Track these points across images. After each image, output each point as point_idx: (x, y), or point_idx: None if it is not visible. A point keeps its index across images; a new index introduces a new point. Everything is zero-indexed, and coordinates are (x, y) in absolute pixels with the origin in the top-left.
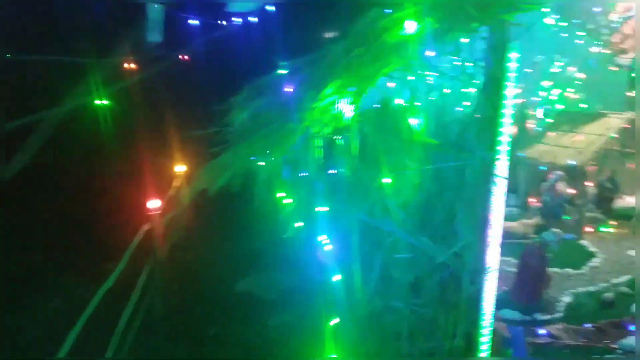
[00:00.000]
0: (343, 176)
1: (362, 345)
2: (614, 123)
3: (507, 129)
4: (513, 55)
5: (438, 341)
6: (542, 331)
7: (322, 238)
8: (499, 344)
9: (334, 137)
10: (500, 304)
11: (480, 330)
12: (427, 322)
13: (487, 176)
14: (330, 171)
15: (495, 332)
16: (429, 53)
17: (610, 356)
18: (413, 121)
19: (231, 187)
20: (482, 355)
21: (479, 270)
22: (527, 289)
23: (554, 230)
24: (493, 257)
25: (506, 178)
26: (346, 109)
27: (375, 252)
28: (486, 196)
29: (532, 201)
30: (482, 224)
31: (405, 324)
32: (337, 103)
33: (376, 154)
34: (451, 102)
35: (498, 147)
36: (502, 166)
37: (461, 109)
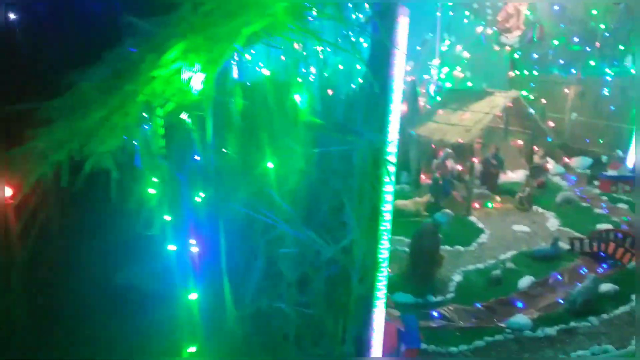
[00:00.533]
0: (214, 161)
1: (247, 346)
2: (499, 101)
3: (397, 108)
4: (402, 29)
5: (326, 345)
6: (434, 314)
7: (193, 233)
8: (393, 339)
9: (184, 115)
10: (393, 287)
11: (371, 332)
12: (314, 325)
13: (376, 161)
14: (196, 157)
15: (388, 328)
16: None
17: (500, 336)
18: (295, 98)
19: (61, 181)
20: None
21: (370, 267)
22: (419, 270)
23: (446, 210)
24: (384, 250)
25: (395, 165)
26: (197, 79)
27: (256, 248)
28: (376, 183)
29: (424, 179)
30: (372, 214)
31: (291, 326)
32: (184, 72)
33: (251, 136)
34: (336, 77)
35: (387, 129)
36: (392, 150)
37: (348, 86)
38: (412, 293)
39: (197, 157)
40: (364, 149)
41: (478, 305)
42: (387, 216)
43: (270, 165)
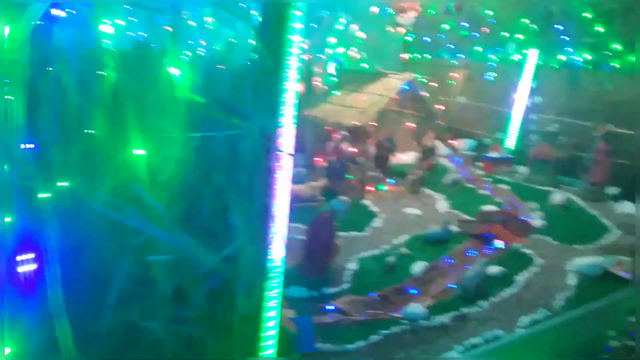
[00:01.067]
0: (52, 147)
1: None
2: (393, 83)
3: (293, 88)
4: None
5: None
6: (329, 307)
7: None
8: (287, 345)
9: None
10: (287, 280)
11: (261, 351)
12: (193, 345)
13: (268, 150)
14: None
15: (280, 335)
16: None
17: (396, 328)
18: (172, 70)
19: None
20: None
21: (259, 279)
22: (313, 261)
23: (342, 198)
24: (277, 257)
25: (292, 154)
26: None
27: (117, 256)
28: (267, 178)
29: (319, 161)
30: (263, 215)
31: (166, 349)
32: None
33: (115, 114)
34: (226, 51)
35: (281, 111)
36: (287, 138)
37: (239, 62)
38: (307, 286)
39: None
40: (253, 135)
41: (373, 295)
42: (282, 217)
43: (139, 152)
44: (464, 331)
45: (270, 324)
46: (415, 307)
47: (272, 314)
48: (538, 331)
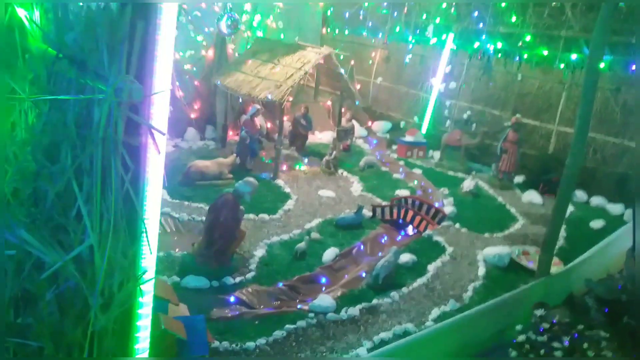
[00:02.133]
0: None
1: None
2: (310, 57)
3: (169, 43)
4: None
5: None
6: (231, 299)
7: None
8: (173, 350)
9: None
10: (185, 268)
11: None
12: None
13: (132, 125)
14: None
15: (162, 340)
16: None
17: (302, 322)
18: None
19: None
20: None
21: (121, 282)
22: (214, 249)
23: (249, 179)
24: (148, 260)
25: (163, 133)
26: None
27: None
28: (131, 158)
29: (231, 135)
30: (126, 207)
31: None
32: None
33: None
34: None
35: (152, 74)
36: (159, 110)
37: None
38: (207, 275)
39: None
40: (110, 103)
41: (280, 285)
42: (153, 211)
43: None
44: (374, 325)
45: (141, 334)
46: (323, 299)
47: (143, 322)
48: (447, 326)
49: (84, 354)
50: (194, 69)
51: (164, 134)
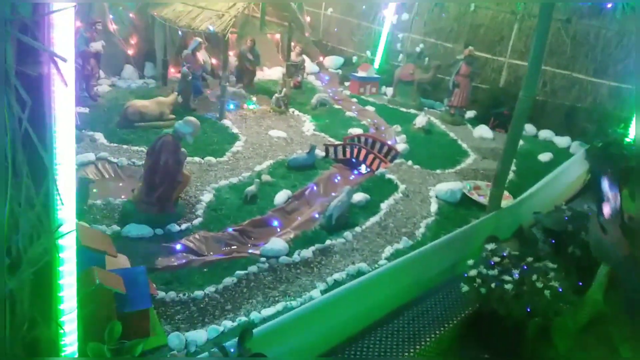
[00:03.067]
0: None
1: None
2: None
3: None
4: None
5: None
6: (178, 247)
7: None
8: (110, 305)
9: None
10: (126, 216)
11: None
12: None
13: (23, 47)
14: None
15: (97, 296)
16: None
17: (254, 267)
18: None
19: None
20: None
21: (33, 239)
22: (157, 195)
23: (189, 119)
24: (65, 211)
25: (64, 59)
26: None
27: None
28: (29, 91)
29: (173, 72)
30: (27, 151)
31: None
32: None
33: None
34: None
35: None
36: (61, 30)
37: None
38: (150, 223)
39: None
40: None
41: (230, 230)
42: (66, 154)
43: None
44: (328, 266)
45: (65, 293)
46: (276, 243)
47: (66, 280)
48: (400, 263)
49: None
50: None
51: (65, 60)
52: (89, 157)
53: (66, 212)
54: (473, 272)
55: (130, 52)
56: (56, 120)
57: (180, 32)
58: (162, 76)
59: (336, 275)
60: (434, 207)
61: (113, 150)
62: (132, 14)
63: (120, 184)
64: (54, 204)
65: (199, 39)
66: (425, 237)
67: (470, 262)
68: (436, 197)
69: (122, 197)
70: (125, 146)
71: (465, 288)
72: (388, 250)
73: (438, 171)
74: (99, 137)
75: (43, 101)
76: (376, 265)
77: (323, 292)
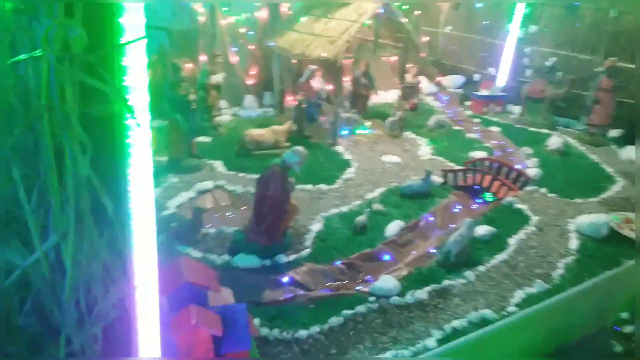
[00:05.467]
0: None
1: None
2: (367, 7)
3: None
4: None
5: None
6: (285, 279)
7: None
8: (206, 346)
9: None
10: (236, 246)
11: None
12: None
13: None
14: None
15: (197, 336)
16: None
17: (362, 307)
18: None
19: None
20: None
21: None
22: (265, 224)
23: (297, 148)
24: (142, 265)
25: (139, 125)
26: None
27: None
28: (94, 133)
29: (289, 101)
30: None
31: None
32: None
33: None
34: None
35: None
36: (133, 64)
37: None
38: (258, 253)
39: None
40: (48, 58)
41: (338, 263)
42: (143, 203)
43: None
44: (445, 311)
45: (145, 340)
46: (386, 281)
47: (146, 331)
48: (533, 312)
49: None
50: (250, 32)
51: (132, 112)
52: (207, 185)
53: (145, 258)
54: (629, 329)
55: (250, 82)
56: (128, 164)
57: (294, 61)
58: (279, 104)
59: (455, 323)
60: (574, 243)
61: (230, 178)
62: (251, 46)
63: (235, 213)
64: (126, 252)
65: (313, 67)
66: (563, 280)
67: (624, 315)
68: (577, 231)
69: (235, 225)
70: (241, 174)
71: (618, 347)
72: (518, 295)
73: (578, 200)
74: (218, 165)
75: (111, 144)
76: (503, 313)
77: (439, 341)
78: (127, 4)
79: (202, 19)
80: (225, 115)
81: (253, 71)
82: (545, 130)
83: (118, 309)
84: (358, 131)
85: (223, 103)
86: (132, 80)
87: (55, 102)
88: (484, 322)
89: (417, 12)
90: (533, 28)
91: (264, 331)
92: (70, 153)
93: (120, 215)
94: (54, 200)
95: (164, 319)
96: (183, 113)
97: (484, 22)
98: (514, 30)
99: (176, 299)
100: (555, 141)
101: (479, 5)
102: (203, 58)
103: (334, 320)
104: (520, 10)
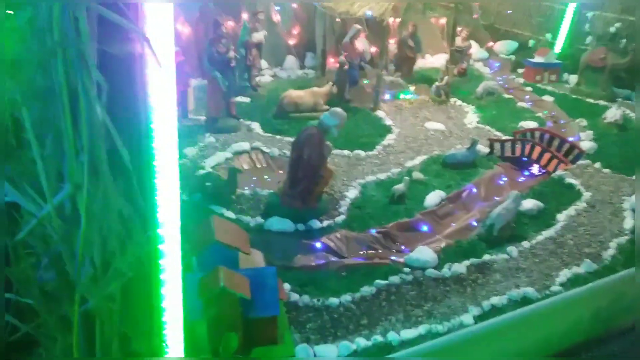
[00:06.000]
0: None
1: None
2: None
3: None
4: None
5: None
6: (318, 245)
7: None
8: (235, 311)
9: None
10: (270, 209)
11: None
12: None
13: (110, 26)
14: None
15: (220, 301)
16: None
17: (396, 277)
18: None
19: None
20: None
21: (122, 248)
22: (299, 188)
23: (335, 110)
24: (167, 214)
25: (147, 39)
26: None
27: None
28: (110, 73)
29: (332, 62)
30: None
31: None
32: None
33: None
34: None
35: None
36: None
37: None
38: (292, 217)
39: None
40: None
41: (373, 231)
42: (165, 155)
43: None
44: (485, 287)
45: (168, 303)
46: (423, 252)
47: (168, 289)
48: (579, 293)
49: (74, 338)
50: None
51: (147, 41)
52: (243, 147)
53: (169, 213)
54: None
55: (292, 42)
56: (149, 110)
57: (338, 20)
58: (321, 66)
59: (495, 300)
60: (629, 223)
61: (267, 141)
62: (295, 5)
63: (271, 175)
64: (151, 206)
65: (358, 26)
66: (615, 261)
67: None
68: (632, 210)
69: (270, 188)
70: (278, 136)
71: None
72: (564, 274)
73: (635, 177)
74: (256, 126)
75: (131, 86)
76: (547, 292)
77: (477, 318)
78: None
79: None
80: (265, 76)
81: (295, 30)
82: (603, 102)
83: (136, 267)
84: (402, 96)
85: (264, 63)
86: (156, 18)
87: (70, 39)
88: (526, 301)
89: None
90: None
91: (294, 297)
92: (85, 96)
93: (139, 166)
94: (68, 148)
95: (193, 277)
96: (222, 71)
97: None
98: None
99: (205, 258)
100: (613, 113)
101: None
102: (245, 16)
103: (366, 290)
104: None
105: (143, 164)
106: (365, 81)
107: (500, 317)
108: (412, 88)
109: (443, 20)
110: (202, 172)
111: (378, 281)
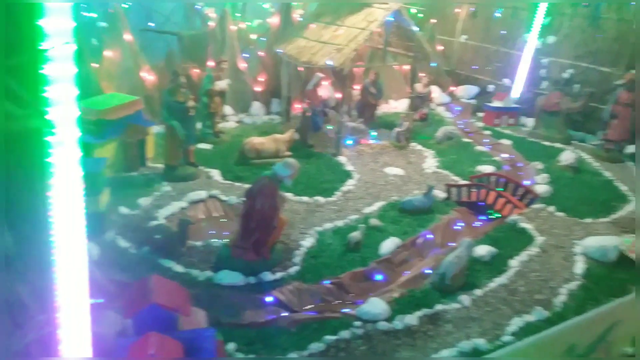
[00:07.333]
0: None
1: None
2: (377, 15)
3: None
4: None
5: None
6: (268, 298)
7: None
8: None
9: None
10: (221, 262)
11: None
12: None
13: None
14: None
15: None
16: None
17: (346, 332)
18: None
19: None
20: None
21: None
22: (252, 239)
23: (289, 161)
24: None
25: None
26: None
27: None
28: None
29: (297, 108)
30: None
31: None
32: None
33: None
34: None
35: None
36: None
37: None
38: (244, 270)
39: None
40: None
41: (327, 282)
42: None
43: None
44: (435, 339)
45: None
46: (374, 304)
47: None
48: (530, 342)
49: None
50: (262, 38)
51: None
52: (200, 195)
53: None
54: None
55: (258, 89)
56: (48, 185)
57: (301, 69)
58: (286, 112)
59: (445, 352)
60: (580, 267)
61: (226, 188)
62: (261, 53)
63: (226, 225)
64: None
65: (320, 75)
66: (566, 309)
67: (630, 350)
68: (583, 254)
69: (226, 238)
70: (237, 184)
71: None
72: (515, 323)
73: (588, 220)
74: (215, 174)
75: (29, 162)
76: (498, 343)
77: None
78: (50, 4)
79: (212, 24)
80: (230, 122)
81: (261, 78)
82: (559, 145)
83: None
84: (363, 141)
85: (229, 109)
86: (55, 92)
87: None
88: (476, 352)
89: (432, 20)
90: (551, 39)
91: (239, 356)
92: None
93: (38, 243)
94: None
95: (125, 344)
96: (180, 120)
97: (501, 32)
98: (532, 41)
99: (142, 320)
100: (568, 156)
101: (497, 14)
102: (210, 64)
103: (315, 346)
104: (539, 20)
105: (42, 240)
106: (329, 127)
107: None
108: (373, 134)
109: (406, 67)
110: (154, 223)
111: (327, 337)
